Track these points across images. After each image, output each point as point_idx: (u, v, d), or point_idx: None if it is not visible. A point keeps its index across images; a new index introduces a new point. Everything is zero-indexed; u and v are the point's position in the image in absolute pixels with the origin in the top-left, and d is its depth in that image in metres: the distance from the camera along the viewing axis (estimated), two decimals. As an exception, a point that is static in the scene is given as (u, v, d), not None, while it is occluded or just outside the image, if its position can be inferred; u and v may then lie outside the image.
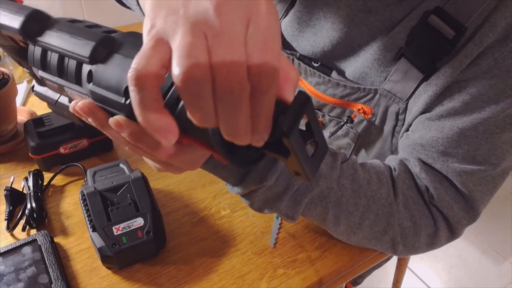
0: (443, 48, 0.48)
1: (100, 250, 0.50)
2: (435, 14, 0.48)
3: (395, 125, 0.55)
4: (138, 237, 0.51)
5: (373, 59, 0.54)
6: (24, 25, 0.36)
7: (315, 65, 0.60)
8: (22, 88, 0.89)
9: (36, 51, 0.37)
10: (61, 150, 0.67)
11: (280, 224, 0.59)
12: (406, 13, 0.51)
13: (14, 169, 0.68)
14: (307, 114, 0.29)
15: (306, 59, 0.61)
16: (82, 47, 0.33)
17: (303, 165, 0.30)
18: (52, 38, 0.36)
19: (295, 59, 0.62)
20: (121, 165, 0.60)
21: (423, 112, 0.51)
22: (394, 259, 1.02)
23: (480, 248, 1.62)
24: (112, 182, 0.56)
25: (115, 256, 0.50)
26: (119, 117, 0.31)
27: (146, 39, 0.25)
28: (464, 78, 0.47)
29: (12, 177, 0.64)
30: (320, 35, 0.60)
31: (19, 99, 0.86)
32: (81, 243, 0.56)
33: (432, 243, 0.51)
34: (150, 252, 0.53)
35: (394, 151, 0.58)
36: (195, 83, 0.23)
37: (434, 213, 0.50)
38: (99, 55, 0.33)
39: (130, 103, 0.28)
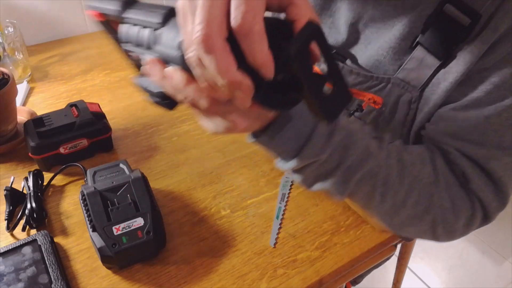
0: (459, 35, 0.49)
1: (100, 250, 0.50)
2: (449, 3, 0.49)
3: (407, 114, 0.56)
4: (138, 237, 0.51)
5: (388, 47, 0.55)
6: (121, 6, 0.44)
7: None
8: (22, 88, 0.89)
9: (124, 27, 0.44)
10: (61, 150, 0.67)
11: (280, 224, 0.59)
12: (421, 1, 0.52)
13: (14, 169, 0.68)
14: (318, 42, 0.31)
15: None
16: (155, 16, 0.39)
17: (316, 99, 0.32)
18: (133, 13, 0.43)
19: None
20: (121, 165, 0.60)
21: (446, 100, 0.52)
22: (394, 259, 1.02)
23: (480, 248, 1.62)
24: (112, 182, 0.56)
25: (115, 256, 0.50)
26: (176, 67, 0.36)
27: None
28: (484, 66, 0.49)
29: (12, 177, 0.64)
30: (337, 17, 0.61)
31: (19, 99, 0.86)
32: (81, 243, 0.56)
33: (468, 225, 0.53)
34: (150, 252, 0.53)
35: (405, 140, 0.59)
36: None
37: (470, 196, 0.52)
38: (168, 21, 0.38)
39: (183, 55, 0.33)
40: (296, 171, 0.48)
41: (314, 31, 0.30)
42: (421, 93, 0.54)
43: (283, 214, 0.60)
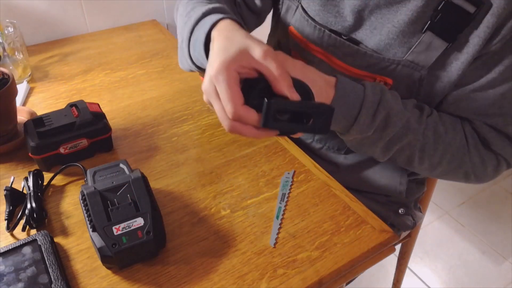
0: (464, 21, 0.55)
1: (100, 250, 0.50)
2: None
3: (415, 91, 0.62)
4: (138, 237, 0.51)
5: (398, 31, 0.59)
6: None
7: (344, 37, 0.65)
8: (22, 88, 0.89)
9: None
10: (61, 150, 0.67)
11: (280, 224, 0.59)
12: None
13: (14, 169, 0.68)
14: (281, 109, 0.45)
15: (336, 33, 0.65)
16: None
17: (303, 132, 0.49)
18: None
19: (327, 31, 0.65)
20: (121, 165, 0.60)
21: (464, 81, 0.60)
22: (394, 259, 1.02)
23: (480, 248, 1.62)
24: (112, 182, 0.56)
25: (115, 256, 0.50)
26: None
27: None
28: (493, 49, 0.56)
29: (12, 177, 0.64)
30: (342, 6, 0.64)
31: (19, 99, 0.86)
32: (81, 243, 0.56)
33: (496, 171, 0.64)
34: (150, 252, 0.53)
35: None
36: None
37: (495, 152, 0.62)
38: None
39: None
40: (343, 137, 0.61)
41: (274, 106, 0.44)
42: (429, 71, 0.60)
43: (283, 214, 0.60)
